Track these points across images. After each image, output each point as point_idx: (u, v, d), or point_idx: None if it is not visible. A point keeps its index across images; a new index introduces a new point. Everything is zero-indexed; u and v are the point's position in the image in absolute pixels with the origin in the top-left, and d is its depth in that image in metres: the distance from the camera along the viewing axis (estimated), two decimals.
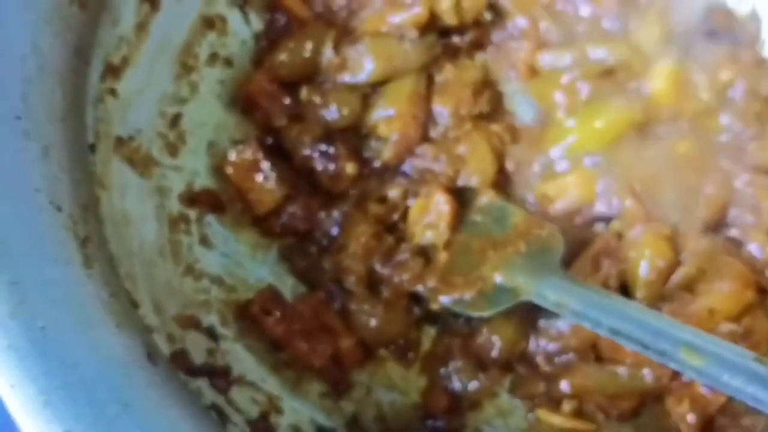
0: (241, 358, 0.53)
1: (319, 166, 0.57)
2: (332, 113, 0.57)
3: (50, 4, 0.44)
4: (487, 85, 0.60)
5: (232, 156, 0.56)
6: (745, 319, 0.53)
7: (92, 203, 0.45)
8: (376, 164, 0.58)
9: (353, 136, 0.58)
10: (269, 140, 0.58)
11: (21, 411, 0.34)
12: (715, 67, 0.56)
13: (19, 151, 0.40)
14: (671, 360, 0.46)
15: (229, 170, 0.56)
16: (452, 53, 0.60)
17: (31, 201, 0.39)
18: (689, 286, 0.53)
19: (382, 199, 0.57)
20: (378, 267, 0.55)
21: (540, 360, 0.54)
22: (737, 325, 0.52)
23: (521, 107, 0.60)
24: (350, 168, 0.56)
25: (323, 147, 0.57)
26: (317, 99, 0.57)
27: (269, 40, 0.60)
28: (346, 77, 0.58)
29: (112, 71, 0.52)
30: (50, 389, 0.34)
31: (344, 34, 0.59)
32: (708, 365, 0.45)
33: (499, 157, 0.58)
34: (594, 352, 0.54)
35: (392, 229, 0.57)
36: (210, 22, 0.59)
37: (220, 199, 0.57)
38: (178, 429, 0.38)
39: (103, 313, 0.39)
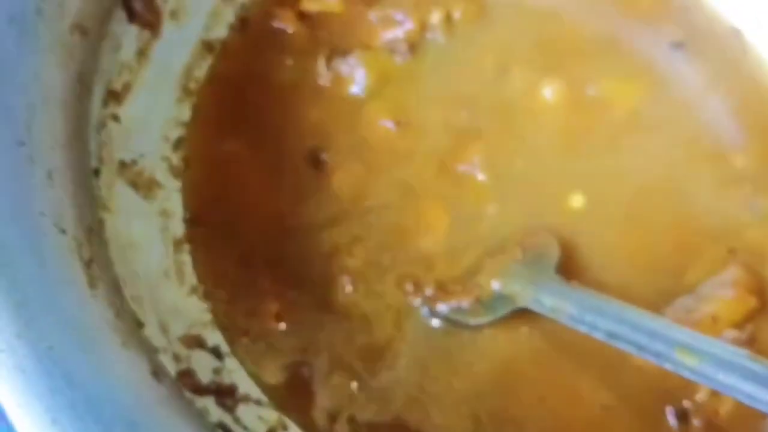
0: (246, 377, 0.54)
1: None
2: None
3: (52, 34, 0.45)
4: None
5: None
6: (748, 326, 0.54)
7: (96, 226, 0.46)
8: None
9: None
10: None
11: (29, 430, 0.35)
12: None
13: (23, 176, 0.40)
14: (667, 361, 0.47)
15: None
16: None
17: (36, 224, 0.40)
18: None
19: None
20: None
21: None
22: (741, 331, 0.53)
23: None
24: None
25: None
26: None
27: None
28: None
29: (114, 97, 0.53)
30: (57, 408, 0.35)
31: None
32: (702, 364, 0.46)
33: None
34: None
35: None
36: (210, 47, 0.60)
37: None
38: None
39: (108, 332, 0.40)
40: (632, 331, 0.49)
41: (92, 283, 0.41)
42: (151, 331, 0.47)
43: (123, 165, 0.53)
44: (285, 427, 0.53)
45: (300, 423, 0.53)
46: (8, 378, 0.35)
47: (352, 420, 0.53)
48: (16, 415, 0.35)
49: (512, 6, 0.62)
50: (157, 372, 0.40)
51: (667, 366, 0.47)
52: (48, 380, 0.36)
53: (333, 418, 0.53)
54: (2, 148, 0.40)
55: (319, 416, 0.53)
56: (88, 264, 0.41)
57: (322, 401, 0.53)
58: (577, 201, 0.57)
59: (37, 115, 0.43)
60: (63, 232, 0.41)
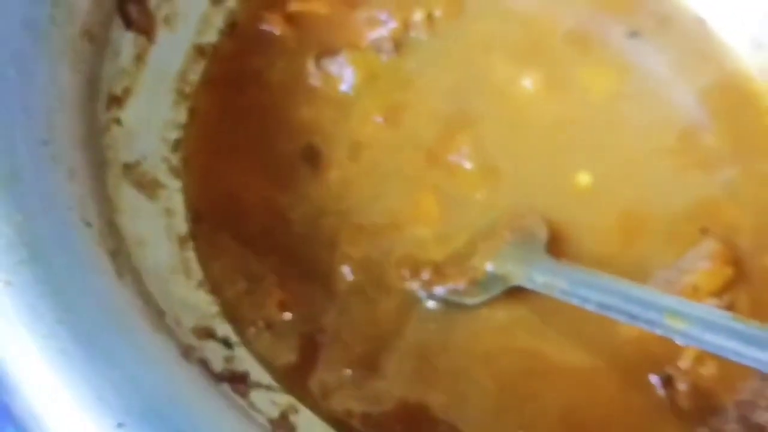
0: (256, 365, 0.56)
1: None
2: None
3: (64, 39, 0.47)
4: None
5: None
6: (726, 295, 0.57)
7: (115, 222, 0.48)
8: None
9: None
10: None
11: (76, 409, 0.37)
12: None
13: (49, 172, 0.42)
14: (658, 327, 0.50)
15: None
16: None
17: (64, 218, 0.42)
18: None
19: None
20: None
21: None
22: (720, 300, 0.57)
23: None
24: None
25: None
26: None
27: None
28: None
29: (116, 101, 0.55)
30: (101, 387, 0.37)
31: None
32: (691, 327, 0.49)
33: None
34: None
35: None
36: (202, 51, 0.62)
37: None
38: (219, 421, 0.41)
39: (138, 317, 0.42)
40: (623, 301, 0.51)
41: (120, 273, 0.43)
42: (169, 321, 0.48)
43: (127, 167, 0.55)
44: (296, 410, 0.55)
45: (309, 405, 0.55)
46: (53, 361, 0.37)
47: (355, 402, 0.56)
48: (62, 395, 0.37)
49: (489, 4, 0.66)
50: (187, 354, 0.42)
51: (658, 331, 0.50)
52: (90, 362, 0.38)
53: (337, 399, 0.56)
54: (28, 148, 0.42)
55: (325, 399, 0.56)
56: (113, 255, 0.43)
57: (328, 385, 0.56)
58: (564, 183, 0.60)
59: (56, 116, 0.45)
60: (89, 225, 0.43)
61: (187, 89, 0.61)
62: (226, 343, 0.55)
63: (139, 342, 0.40)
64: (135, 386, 0.38)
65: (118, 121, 0.55)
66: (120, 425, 0.37)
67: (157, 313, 0.44)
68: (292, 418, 0.54)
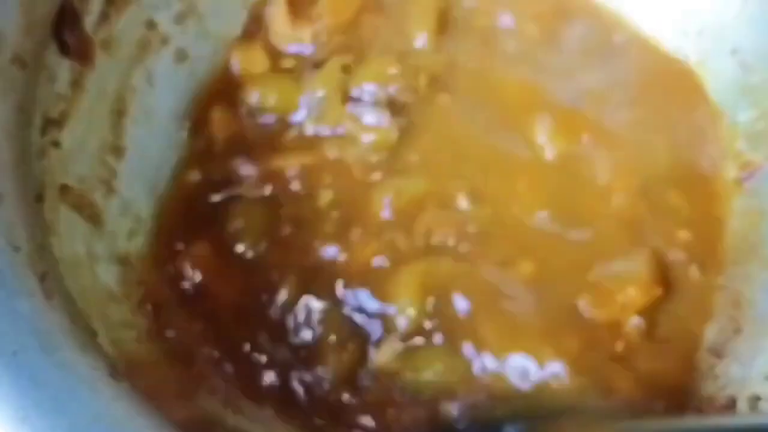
0: None
1: None
2: None
3: None
4: None
5: None
6: (652, 313, 0.58)
7: (47, 245, 0.48)
8: None
9: None
10: None
11: (2, 428, 0.37)
12: None
13: None
14: None
15: None
16: None
17: None
18: None
19: None
20: None
21: None
22: (644, 318, 0.58)
23: None
24: None
25: None
26: None
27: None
28: None
29: (52, 125, 0.56)
30: (26, 407, 0.38)
31: None
32: None
33: None
34: None
35: None
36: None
37: None
38: None
39: (66, 338, 0.43)
40: None
41: (48, 295, 0.43)
42: (103, 341, 0.49)
43: (64, 189, 0.56)
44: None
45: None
46: None
47: None
48: None
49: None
50: (115, 373, 0.43)
51: None
52: (16, 382, 0.38)
53: None
54: None
55: None
56: (42, 277, 0.44)
57: None
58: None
59: None
60: (17, 249, 0.43)
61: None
62: None
63: (65, 362, 0.41)
64: (59, 406, 0.39)
65: (55, 145, 0.56)
66: None
67: (88, 334, 0.45)
68: None
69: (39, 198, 0.52)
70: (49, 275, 0.45)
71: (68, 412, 0.39)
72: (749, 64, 0.64)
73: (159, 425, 0.43)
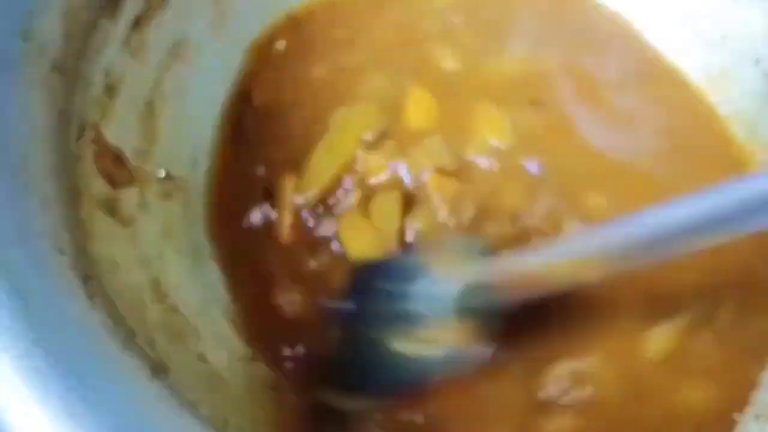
0: None
1: None
2: None
3: (34, 74, 0.49)
4: None
5: None
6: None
7: (87, 248, 0.50)
8: None
9: None
10: None
11: (48, 425, 0.39)
12: None
13: (22, 202, 0.45)
14: None
15: None
16: None
17: (38, 246, 0.44)
18: None
19: None
20: None
21: None
22: None
23: None
24: None
25: None
26: None
27: None
28: None
29: (87, 131, 0.57)
30: (73, 404, 0.39)
31: None
32: None
33: None
34: None
35: None
36: None
37: None
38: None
39: (108, 338, 0.44)
40: None
41: (91, 296, 0.45)
42: (141, 342, 0.50)
43: (99, 196, 0.57)
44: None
45: None
46: (27, 379, 0.39)
47: None
48: (35, 411, 0.39)
49: None
50: (157, 372, 0.44)
51: None
52: (62, 380, 0.40)
53: None
54: (2, 177, 0.44)
55: None
56: (85, 280, 0.45)
57: None
58: None
59: (28, 147, 0.47)
60: (62, 252, 0.45)
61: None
62: (203, 360, 0.57)
63: (109, 361, 0.42)
64: (105, 403, 0.40)
65: (89, 149, 0.57)
66: None
67: (127, 334, 0.46)
68: None
69: (77, 202, 0.54)
70: (91, 278, 0.46)
71: (114, 411, 0.40)
72: None
73: (200, 425, 0.44)
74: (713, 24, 0.68)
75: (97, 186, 0.57)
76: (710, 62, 0.68)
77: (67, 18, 0.52)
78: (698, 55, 0.69)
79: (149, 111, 0.63)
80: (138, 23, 0.62)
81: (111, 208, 0.58)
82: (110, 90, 0.60)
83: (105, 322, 0.44)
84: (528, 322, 0.55)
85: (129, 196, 0.60)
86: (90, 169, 0.56)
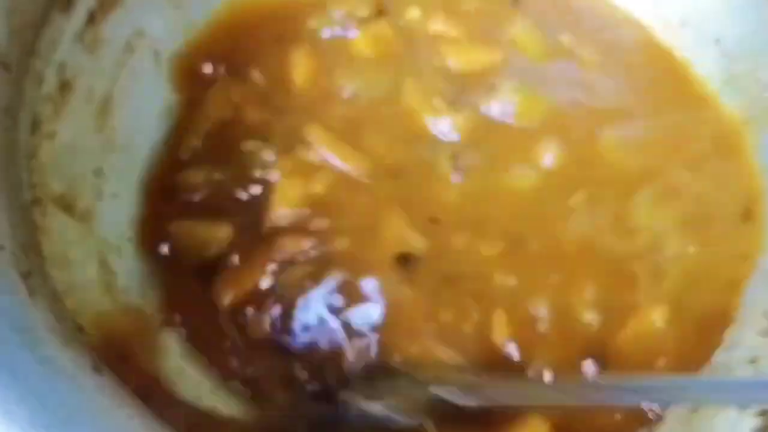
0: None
1: None
2: None
3: None
4: None
5: None
6: None
7: (33, 244, 0.49)
8: None
9: None
10: None
11: None
12: None
13: None
14: None
15: None
16: None
17: None
18: None
19: None
20: None
21: None
22: None
23: None
24: None
25: None
26: None
27: None
28: None
29: (40, 128, 0.57)
30: (8, 401, 0.39)
31: None
32: None
33: None
34: None
35: None
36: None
37: None
38: (127, 427, 0.43)
39: (49, 334, 0.44)
40: None
41: (31, 292, 0.45)
42: (92, 337, 0.50)
43: (54, 192, 0.57)
44: None
45: None
46: None
47: None
48: None
49: None
50: (98, 366, 0.44)
51: None
52: None
53: None
54: None
55: None
56: (26, 276, 0.45)
57: None
58: None
59: None
60: (1, 248, 0.45)
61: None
62: None
63: (46, 357, 0.42)
64: (40, 399, 0.40)
65: (43, 148, 0.57)
66: None
67: (73, 329, 0.46)
68: None
69: (27, 198, 0.54)
70: (33, 274, 0.46)
71: (49, 405, 0.40)
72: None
73: (140, 415, 0.44)
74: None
75: (53, 183, 0.57)
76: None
77: (10, 16, 0.52)
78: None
79: (105, 107, 0.63)
80: (92, 17, 0.62)
81: (67, 205, 0.58)
82: (64, 86, 0.59)
83: (45, 318, 0.44)
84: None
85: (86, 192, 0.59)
86: (44, 166, 0.56)
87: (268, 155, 0.64)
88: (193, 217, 0.62)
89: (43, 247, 0.52)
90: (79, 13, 0.61)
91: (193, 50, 0.68)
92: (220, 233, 0.61)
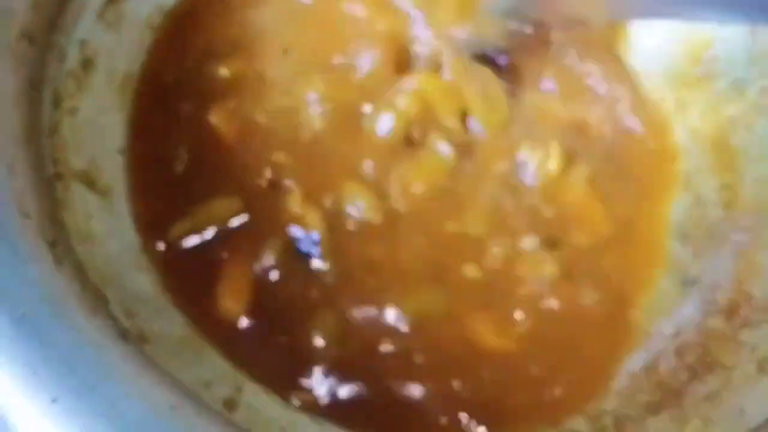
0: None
1: None
2: None
3: (1, 41, 0.49)
4: None
5: None
6: None
7: (57, 217, 0.49)
8: None
9: None
10: None
11: (11, 385, 0.39)
12: None
13: None
14: None
15: None
16: None
17: (3, 211, 0.44)
18: None
19: None
20: None
21: None
22: None
23: None
24: None
25: None
26: None
27: None
28: None
29: (63, 103, 0.57)
30: (35, 363, 0.39)
31: None
32: None
33: None
34: None
35: None
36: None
37: None
38: (152, 392, 0.42)
39: (75, 303, 0.44)
40: None
41: (57, 261, 0.45)
42: (116, 311, 0.50)
43: (76, 168, 0.57)
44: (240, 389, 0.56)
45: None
46: None
47: None
48: None
49: None
50: (125, 335, 0.44)
51: None
52: (24, 341, 0.40)
53: None
54: None
55: None
56: (52, 244, 0.45)
57: None
58: None
59: None
60: (27, 216, 0.45)
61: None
62: None
63: (73, 325, 0.42)
64: (67, 364, 0.40)
65: (65, 123, 0.57)
66: (54, 400, 0.39)
67: (99, 301, 0.46)
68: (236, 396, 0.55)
69: (50, 173, 0.54)
70: (59, 243, 0.46)
71: (76, 370, 0.40)
72: None
73: (167, 383, 0.44)
74: None
75: (74, 159, 0.57)
76: None
77: None
78: None
79: (127, 86, 0.62)
80: None
81: (90, 181, 0.57)
82: (86, 63, 0.59)
83: (72, 287, 0.44)
84: None
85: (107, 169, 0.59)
86: (66, 142, 0.56)
87: None
88: None
89: (66, 221, 0.52)
90: None
91: None
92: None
